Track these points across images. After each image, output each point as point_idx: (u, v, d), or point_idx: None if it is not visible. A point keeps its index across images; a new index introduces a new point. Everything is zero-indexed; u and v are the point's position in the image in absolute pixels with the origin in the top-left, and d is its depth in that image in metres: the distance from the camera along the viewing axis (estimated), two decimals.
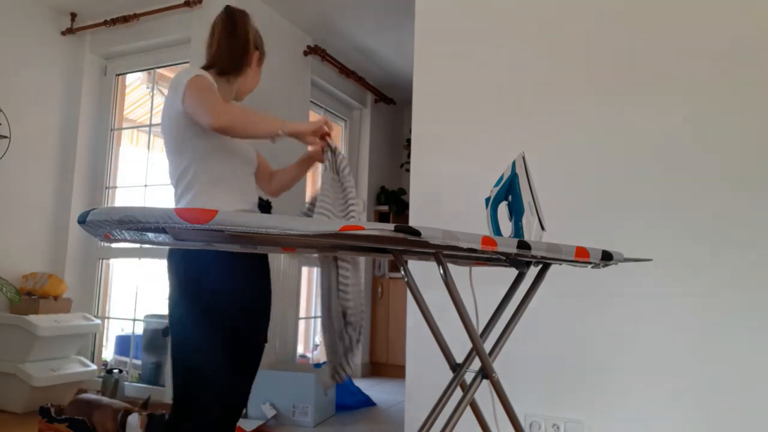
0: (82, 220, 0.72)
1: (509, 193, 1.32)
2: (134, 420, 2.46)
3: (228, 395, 1.42)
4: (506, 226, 1.34)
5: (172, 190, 1.51)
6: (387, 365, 4.48)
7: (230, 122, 1.34)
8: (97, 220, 0.70)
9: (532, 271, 1.28)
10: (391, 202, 4.82)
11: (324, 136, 1.51)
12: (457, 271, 1.73)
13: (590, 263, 1.18)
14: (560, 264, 1.19)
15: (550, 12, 2.10)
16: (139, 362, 3.38)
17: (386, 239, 0.78)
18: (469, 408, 1.18)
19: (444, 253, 0.99)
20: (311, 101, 3.99)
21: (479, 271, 1.97)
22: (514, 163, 1.32)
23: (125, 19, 3.40)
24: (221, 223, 0.64)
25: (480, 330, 1.32)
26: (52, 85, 3.51)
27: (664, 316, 1.82)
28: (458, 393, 1.28)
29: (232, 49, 1.58)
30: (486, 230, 1.35)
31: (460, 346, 1.39)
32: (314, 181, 4.24)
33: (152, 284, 3.70)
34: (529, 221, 1.27)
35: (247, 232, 0.65)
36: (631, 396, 1.84)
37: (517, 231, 1.28)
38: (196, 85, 1.40)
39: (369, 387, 3.87)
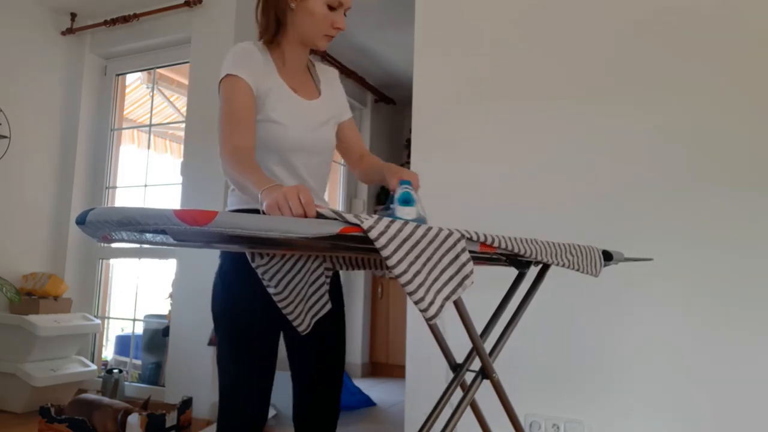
0: (81, 221, 0.72)
1: None
2: (134, 420, 2.46)
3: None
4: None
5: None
6: (387, 365, 4.48)
7: (224, 164, 1.16)
8: (96, 221, 0.70)
9: (533, 271, 1.28)
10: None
11: None
12: None
13: None
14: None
15: (553, 11, 2.10)
16: (139, 362, 3.38)
17: None
18: (469, 408, 1.18)
19: None
20: None
21: (479, 271, 1.97)
22: None
23: (125, 19, 3.40)
24: (220, 225, 0.64)
25: (480, 330, 1.32)
26: (52, 85, 3.51)
27: (665, 315, 1.82)
28: (458, 393, 1.28)
29: (261, 7, 1.31)
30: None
31: (460, 346, 1.39)
32: None
33: (152, 284, 3.70)
34: None
35: (245, 234, 0.65)
36: (630, 396, 1.83)
37: None
38: (222, 93, 1.24)
39: (369, 387, 3.87)
